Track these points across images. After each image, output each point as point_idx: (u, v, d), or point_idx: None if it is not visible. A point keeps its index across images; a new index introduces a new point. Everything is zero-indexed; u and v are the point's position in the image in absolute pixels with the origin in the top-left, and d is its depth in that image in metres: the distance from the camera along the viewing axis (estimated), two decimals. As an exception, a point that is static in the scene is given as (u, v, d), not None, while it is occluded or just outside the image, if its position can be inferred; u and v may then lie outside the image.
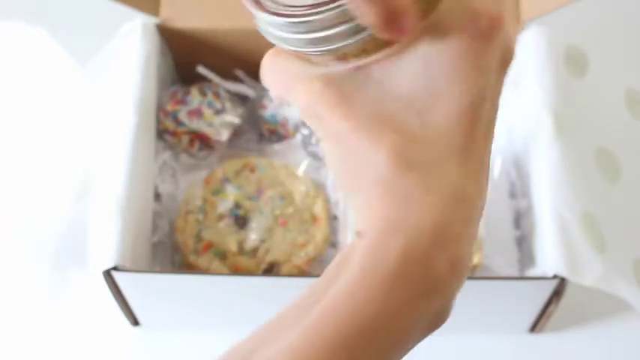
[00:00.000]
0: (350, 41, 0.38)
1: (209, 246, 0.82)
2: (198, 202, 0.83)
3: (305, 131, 0.87)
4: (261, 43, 0.98)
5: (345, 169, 0.39)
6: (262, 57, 0.98)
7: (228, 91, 0.90)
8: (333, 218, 0.84)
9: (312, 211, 0.84)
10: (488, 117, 0.40)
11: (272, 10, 0.39)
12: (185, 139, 0.86)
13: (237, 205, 0.84)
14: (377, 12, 0.35)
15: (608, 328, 0.84)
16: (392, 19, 0.36)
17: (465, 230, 0.38)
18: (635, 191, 0.85)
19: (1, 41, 0.86)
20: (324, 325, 0.37)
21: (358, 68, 0.39)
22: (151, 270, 0.80)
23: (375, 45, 0.38)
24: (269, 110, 0.88)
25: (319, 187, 0.85)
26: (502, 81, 0.41)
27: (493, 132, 0.42)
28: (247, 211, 0.84)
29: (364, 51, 0.38)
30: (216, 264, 0.81)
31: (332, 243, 0.84)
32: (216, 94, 0.88)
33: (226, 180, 0.85)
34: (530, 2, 0.86)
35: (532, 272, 0.77)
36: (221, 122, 0.87)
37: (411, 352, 0.86)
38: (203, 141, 0.87)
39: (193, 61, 0.90)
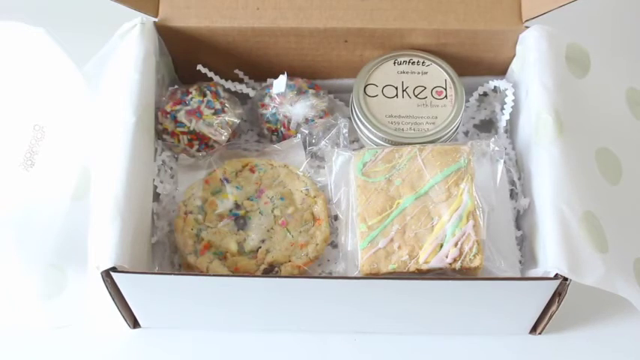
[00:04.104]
0: None
1: (209, 246, 0.81)
2: (198, 203, 0.83)
3: (306, 130, 0.87)
4: (260, 42, 0.99)
5: None
6: (262, 56, 0.99)
7: (228, 91, 0.90)
8: (333, 218, 0.84)
9: (312, 211, 0.84)
10: None
11: None
12: (184, 139, 0.86)
13: (237, 206, 0.84)
14: None
15: (610, 328, 0.83)
16: None
17: None
18: (636, 191, 0.85)
19: (1, 41, 0.85)
20: None
21: None
22: (150, 271, 0.80)
23: None
24: (270, 109, 0.88)
25: (319, 187, 0.85)
26: None
27: None
28: (247, 211, 0.83)
29: None
30: (215, 264, 0.80)
31: (332, 243, 0.84)
32: (216, 95, 0.88)
33: (226, 180, 0.85)
34: (531, 2, 0.86)
35: (534, 272, 0.77)
36: (220, 122, 0.86)
37: (412, 351, 0.87)
38: (202, 141, 0.86)
39: (192, 61, 0.90)
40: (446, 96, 0.87)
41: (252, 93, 0.91)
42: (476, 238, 0.78)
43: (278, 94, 0.88)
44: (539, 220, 0.78)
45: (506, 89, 0.88)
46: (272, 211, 0.83)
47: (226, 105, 0.88)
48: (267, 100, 0.89)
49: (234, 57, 0.90)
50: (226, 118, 0.87)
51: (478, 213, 0.79)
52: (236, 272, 0.80)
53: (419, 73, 0.88)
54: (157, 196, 0.84)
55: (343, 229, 0.82)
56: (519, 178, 0.85)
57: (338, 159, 0.85)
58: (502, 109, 0.89)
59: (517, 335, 0.83)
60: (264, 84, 0.91)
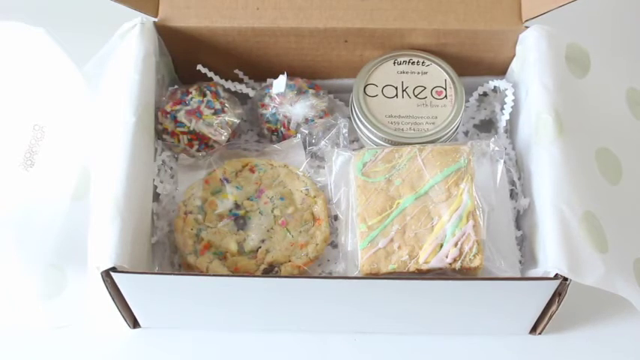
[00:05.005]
0: None
1: (208, 246, 0.81)
2: (198, 203, 0.83)
3: (306, 130, 0.87)
4: (260, 42, 0.99)
5: None
6: (262, 56, 0.99)
7: (228, 91, 0.90)
8: (333, 218, 0.84)
9: (312, 211, 0.84)
10: None
11: None
12: (184, 139, 0.86)
13: (237, 206, 0.84)
14: None
15: (610, 328, 0.83)
16: None
17: None
18: (636, 191, 0.85)
19: (1, 41, 0.85)
20: None
21: None
22: (150, 271, 0.80)
23: None
24: (270, 109, 0.88)
25: (319, 187, 0.85)
26: None
27: None
28: (247, 211, 0.83)
29: None
30: (215, 264, 0.80)
31: (332, 243, 0.84)
32: (216, 95, 0.88)
33: (226, 180, 0.85)
34: (531, 2, 0.86)
35: (534, 272, 0.77)
36: (220, 122, 0.86)
37: (412, 351, 0.87)
38: (202, 141, 0.86)
39: (192, 61, 0.90)
40: (446, 96, 0.87)
41: (252, 93, 0.91)
42: (476, 238, 0.78)
43: (278, 94, 0.88)
44: (539, 220, 0.78)
45: (506, 89, 0.88)
46: (272, 211, 0.83)
47: (226, 105, 0.88)
48: (267, 100, 0.89)
49: (234, 57, 0.90)
50: (226, 118, 0.87)
51: (478, 213, 0.79)
52: (236, 272, 0.80)
53: (419, 73, 0.88)
54: (157, 196, 0.84)
55: (343, 229, 0.82)
56: (519, 178, 0.85)
57: (338, 159, 0.85)
58: (502, 109, 0.89)
59: (517, 335, 0.83)
60: (264, 84, 0.91)
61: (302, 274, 0.81)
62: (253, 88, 0.92)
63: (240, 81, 0.92)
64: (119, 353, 0.83)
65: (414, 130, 0.85)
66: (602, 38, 1.02)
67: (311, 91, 0.89)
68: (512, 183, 0.86)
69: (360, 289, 0.76)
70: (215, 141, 0.86)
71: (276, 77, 0.88)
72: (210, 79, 0.90)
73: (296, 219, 0.83)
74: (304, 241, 0.82)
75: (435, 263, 0.78)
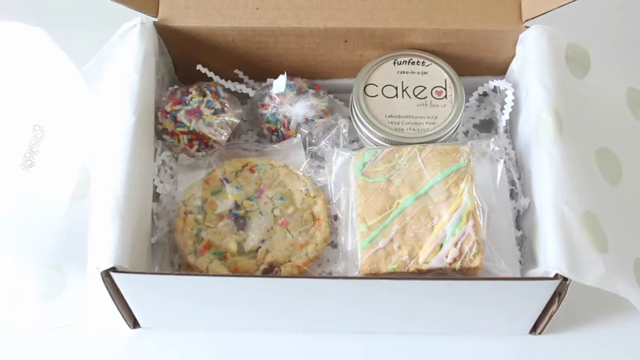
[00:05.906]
0: None
1: (208, 246, 0.81)
2: (198, 203, 0.83)
3: (306, 130, 0.87)
4: (260, 42, 0.99)
5: None
6: (262, 56, 0.99)
7: (228, 91, 0.90)
8: (333, 218, 0.84)
9: (312, 211, 0.84)
10: None
11: None
12: (184, 139, 0.86)
13: (236, 206, 0.84)
14: None
15: (610, 328, 0.83)
16: None
17: None
18: (636, 191, 0.85)
19: (1, 41, 0.85)
20: None
21: None
22: (150, 271, 0.80)
23: None
24: (270, 109, 0.88)
25: (319, 187, 0.85)
26: None
27: None
28: (247, 211, 0.83)
29: None
30: (215, 264, 0.80)
31: (332, 243, 0.84)
32: (216, 95, 0.88)
33: (226, 180, 0.85)
34: (531, 2, 0.86)
35: (534, 272, 0.77)
36: (220, 122, 0.86)
37: (412, 351, 0.87)
38: (202, 141, 0.86)
39: (192, 61, 0.90)
40: (446, 96, 0.87)
41: (252, 93, 0.91)
42: (476, 238, 0.78)
43: (278, 94, 0.88)
44: (539, 220, 0.78)
45: (506, 89, 0.88)
46: (272, 211, 0.83)
47: (226, 105, 0.88)
48: (267, 100, 0.89)
49: (234, 57, 0.90)
50: (226, 118, 0.87)
51: (478, 213, 0.79)
52: (236, 272, 0.80)
53: (419, 73, 0.88)
54: (156, 196, 0.84)
55: (343, 229, 0.82)
56: (519, 178, 0.85)
57: (338, 159, 0.85)
58: (502, 109, 0.89)
59: (517, 335, 0.83)
60: (264, 84, 0.91)
61: (302, 274, 0.81)
62: (253, 88, 0.92)
63: (240, 81, 0.92)
64: (119, 353, 0.83)
65: (414, 130, 0.85)
66: (602, 38, 1.02)
67: (311, 91, 0.89)
68: (512, 183, 0.86)
69: (359, 289, 0.76)
70: (215, 141, 0.86)
71: (276, 77, 0.88)
72: (210, 79, 0.91)
73: (296, 219, 0.83)
74: (304, 241, 0.82)
75: (434, 263, 0.78)
